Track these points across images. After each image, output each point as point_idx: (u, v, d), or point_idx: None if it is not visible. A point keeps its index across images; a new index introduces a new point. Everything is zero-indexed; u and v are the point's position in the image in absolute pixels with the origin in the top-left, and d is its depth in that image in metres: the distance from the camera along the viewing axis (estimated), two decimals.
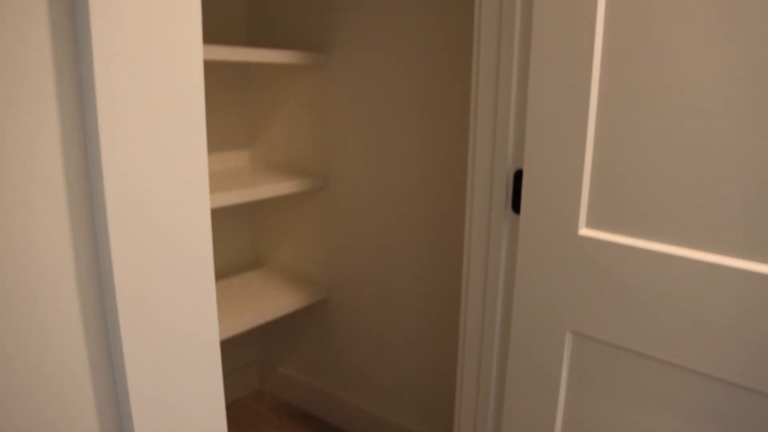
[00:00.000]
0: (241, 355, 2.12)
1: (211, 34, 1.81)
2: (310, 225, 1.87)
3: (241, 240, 2.03)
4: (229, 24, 1.83)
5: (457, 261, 1.56)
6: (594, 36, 0.87)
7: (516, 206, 1.08)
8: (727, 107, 0.77)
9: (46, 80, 0.34)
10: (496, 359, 1.18)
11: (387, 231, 1.68)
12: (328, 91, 1.72)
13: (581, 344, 0.98)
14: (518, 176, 1.07)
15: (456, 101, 1.47)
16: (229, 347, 2.06)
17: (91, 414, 0.39)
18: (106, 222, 0.37)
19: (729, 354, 0.81)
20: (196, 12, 0.40)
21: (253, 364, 2.16)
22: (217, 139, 1.85)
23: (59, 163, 0.35)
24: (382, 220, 1.69)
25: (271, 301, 1.72)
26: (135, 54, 0.36)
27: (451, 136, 1.50)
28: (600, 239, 0.91)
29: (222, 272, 1.98)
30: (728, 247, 0.80)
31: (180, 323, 0.42)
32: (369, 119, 1.65)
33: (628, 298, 0.90)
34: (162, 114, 0.39)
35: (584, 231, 0.93)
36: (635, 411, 0.94)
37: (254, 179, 1.67)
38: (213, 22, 1.79)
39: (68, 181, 0.36)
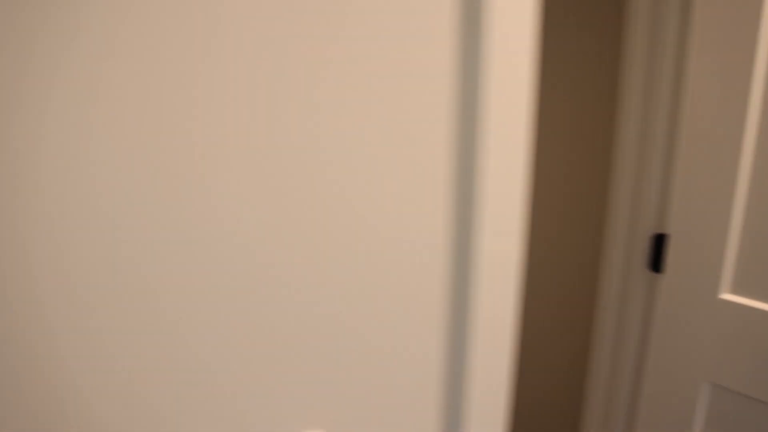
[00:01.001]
0: None
1: None
2: None
3: None
4: None
5: (576, 305, 1.66)
6: (747, 109, 0.97)
7: (653, 265, 1.19)
8: None
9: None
10: (624, 408, 1.28)
11: None
12: None
13: (717, 394, 1.08)
14: (654, 238, 1.18)
15: (591, 147, 1.59)
16: None
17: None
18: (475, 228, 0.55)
19: None
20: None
21: None
22: None
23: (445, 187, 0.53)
24: None
25: None
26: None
27: (583, 182, 1.61)
28: (740, 304, 1.01)
29: None
30: None
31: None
32: None
33: (766, 358, 0.99)
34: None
35: (725, 295, 1.04)
36: None
37: None
38: None
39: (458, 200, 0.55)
